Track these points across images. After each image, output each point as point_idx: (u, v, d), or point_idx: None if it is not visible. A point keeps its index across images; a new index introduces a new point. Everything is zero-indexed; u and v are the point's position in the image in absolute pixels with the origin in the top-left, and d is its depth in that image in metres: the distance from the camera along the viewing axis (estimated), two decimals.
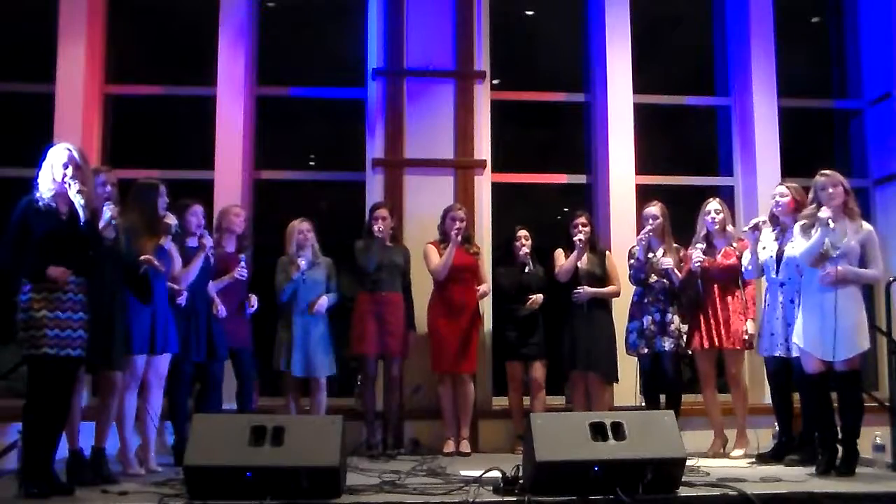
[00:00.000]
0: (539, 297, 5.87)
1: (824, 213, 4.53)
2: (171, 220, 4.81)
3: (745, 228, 5.34)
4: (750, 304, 5.53)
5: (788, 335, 5.01)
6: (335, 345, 5.76)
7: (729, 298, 5.50)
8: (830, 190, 4.59)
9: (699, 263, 5.46)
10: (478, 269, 6.00)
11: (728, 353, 5.54)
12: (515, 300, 5.95)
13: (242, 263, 5.46)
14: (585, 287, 5.78)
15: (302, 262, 5.60)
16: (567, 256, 5.89)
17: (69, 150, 4.08)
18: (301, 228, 5.74)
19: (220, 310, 5.32)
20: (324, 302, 5.64)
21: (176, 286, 4.93)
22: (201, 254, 5.12)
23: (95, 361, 4.28)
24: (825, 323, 4.52)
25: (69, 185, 3.99)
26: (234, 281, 5.43)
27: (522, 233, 6.03)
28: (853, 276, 4.52)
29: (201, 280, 5.17)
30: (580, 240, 5.76)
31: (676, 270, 5.55)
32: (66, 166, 4.02)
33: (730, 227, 5.60)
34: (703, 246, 5.55)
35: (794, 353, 4.91)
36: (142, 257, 4.47)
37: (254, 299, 5.56)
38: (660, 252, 5.66)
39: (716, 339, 5.46)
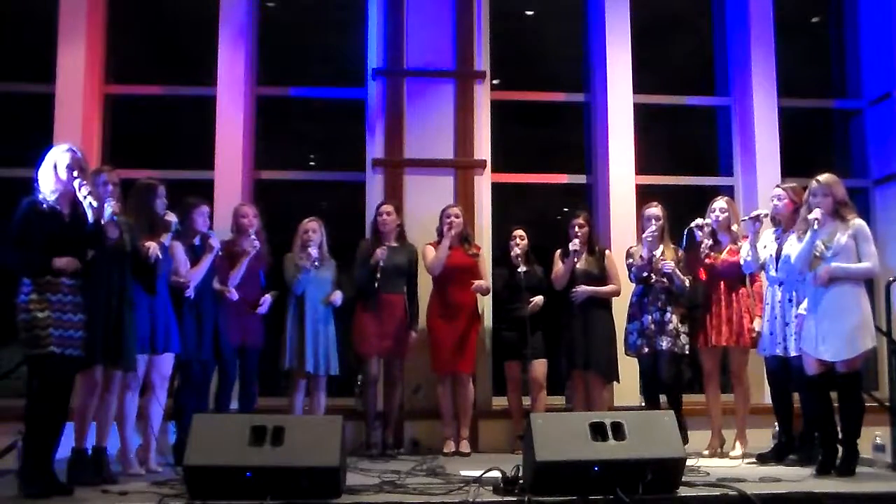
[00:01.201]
0: (539, 299, 5.87)
1: (813, 214, 4.56)
2: (172, 218, 4.81)
3: (745, 218, 5.34)
4: (757, 301, 5.48)
5: (786, 335, 5.02)
6: (342, 344, 5.75)
7: (735, 296, 5.48)
8: (818, 199, 4.62)
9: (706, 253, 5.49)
10: (477, 269, 5.98)
11: (733, 351, 5.53)
12: (508, 301, 5.95)
13: (253, 236, 5.46)
14: (583, 286, 5.78)
15: (312, 251, 5.59)
16: (563, 259, 5.89)
17: (73, 151, 4.09)
18: (306, 228, 5.73)
19: (232, 293, 5.33)
20: (338, 295, 5.65)
21: (181, 279, 4.93)
22: (209, 255, 5.13)
23: (106, 362, 4.27)
24: (825, 324, 4.52)
25: (78, 187, 3.99)
26: (250, 273, 5.44)
27: (517, 232, 6.02)
28: (843, 272, 4.51)
29: (208, 280, 5.18)
30: (575, 251, 5.74)
31: (679, 273, 5.54)
32: (71, 168, 4.02)
33: (735, 227, 5.60)
34: (710, 242, 5.55)
35: (792, 353, 4.93)
36: (146, 243, 4.47)
37: (266, 298, 5.53)
38: (658, 252, 5.65)
39: (722, 337, 5.44)
